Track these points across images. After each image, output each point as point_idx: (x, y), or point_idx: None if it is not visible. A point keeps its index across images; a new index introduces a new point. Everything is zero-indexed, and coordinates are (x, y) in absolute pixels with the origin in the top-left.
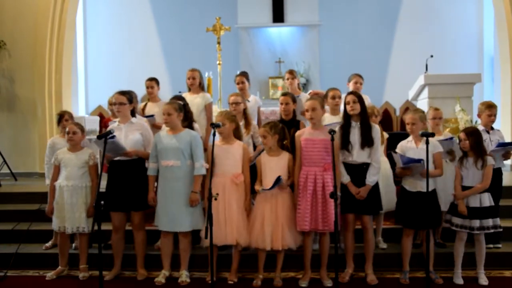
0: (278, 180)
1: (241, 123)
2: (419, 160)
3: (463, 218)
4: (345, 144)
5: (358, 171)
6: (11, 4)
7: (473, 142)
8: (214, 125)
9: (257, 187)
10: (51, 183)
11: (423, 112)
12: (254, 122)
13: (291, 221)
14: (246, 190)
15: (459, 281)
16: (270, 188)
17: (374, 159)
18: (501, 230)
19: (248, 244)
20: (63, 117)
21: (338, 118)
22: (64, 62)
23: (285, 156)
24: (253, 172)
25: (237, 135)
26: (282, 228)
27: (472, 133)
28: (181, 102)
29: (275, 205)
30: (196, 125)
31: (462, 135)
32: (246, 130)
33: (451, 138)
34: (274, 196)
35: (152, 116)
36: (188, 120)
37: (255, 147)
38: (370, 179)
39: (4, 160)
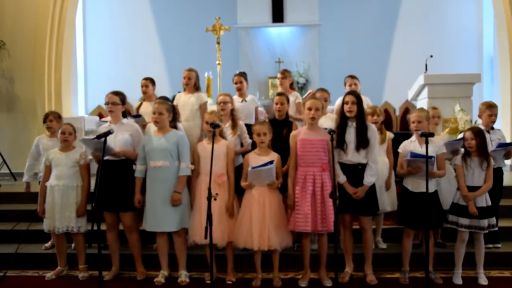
0: (270, 162)
1: (228, 124)
2: (430, 157)
3: (471, 219)
4: (341, 143)
5: (353, 171)
6: (11, 4)
7: (480, 142)
8: (214, 125)
9: (242, 183)
10: (42, 183)
11: (428, 111)
12: (241, 122)
13: (278, 222)
14: (230, 190)
15: (458, 281)
16: (258, 167)
17: (371, 159)
18: (497, 229)
19: (235, 244)
20: (48, 118)
21: (324, 118)
22: (63, 62)
23: (273, 157)
24: (239, 172)
25: (221, 135)
26: (268, 229)
27: (479, 133)
28: (170, 103)
29: (262, 205)
30: (180, 125)
31: (469, 134)
32: (233, 131)
33: (461, 139)
34: (261, 196)
35: (139, 116)
36: (175, 121)
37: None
38: (368, 180)
39: (4, 160)
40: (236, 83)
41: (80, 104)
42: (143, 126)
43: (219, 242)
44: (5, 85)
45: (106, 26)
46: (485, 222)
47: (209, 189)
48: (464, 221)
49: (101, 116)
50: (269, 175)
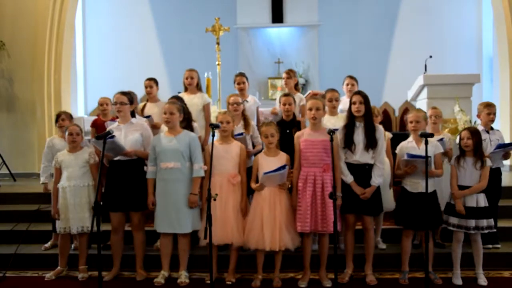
0: (283, 167)
1: (240, 124)
2: (428, 156)
3: (460, 218)
4: (349, 143)
5: (360, 171)
6: (11, 4)
7: (476, 142)
8: (214, 126)
9: (253, 185)
10: (54, 186)
11: (425, 112)
12: (253, 122)
13: (289, 221)
14: (243, 190)
15: (458, 281)
16: (271, 172)
17: (379, 160)
18: (495, 230)
19: (245, 244)
20: (60, 117)
21: (336, 119)
22: (63, 63)
23: (282, 157)
24: (249, 173)
25: (233, 136)
26: (280, 229)
27: (476, 133)
28: (181, 104)
29: (273, 205)
30: (195, 125)
31: (465, 133)
32: (246, 131)
33: (441, 139)
34: (272, 197)
35: (149, 116)
36: (185, 121)
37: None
38: (376, 180)
39: (3, 161)
40: (238, 84)
41: (80, 104)
42: (152, 126)
43: (236, 241)
44: (4, 85)
45: (105, 26)
46: (472, 223)
47: (209, 189)
48: (453, 220)
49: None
50: (281, 178)
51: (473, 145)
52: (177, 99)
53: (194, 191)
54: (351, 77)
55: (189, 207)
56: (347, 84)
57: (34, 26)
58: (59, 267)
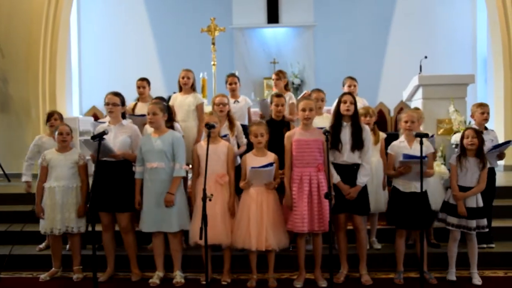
0: (270, 164)
1: (225, 125)
2: (423, 157)
3: (459, 218)
4: (335, 143)
5: (349, 172)
6: (6, 4)
7: (481, 142)
8: (210, 126)
9: (241, 184)
10: (38, 184)
11: (420, 112)
12: (238, 123)
13: (276, 222)
14: (231, 190)
15: (452, 277)
16: (259, 167)
17: (365, 160)
18: (488, 230)
19: (233, 244)
20: (52, 116)
21: (320, 118)
22: (58, 62)
23: (270, 157)
24: (238, 173)
25: (220, 136)
26: (266, 229)
27: (480, 133)
28: (165, 103)
29: (260, 205)
30: (177, 125)
31: (470, 132)
32: (231, 132)
33: (432, 136)
34: (259, 197)
35: (144, 115)
36: (171, 121)
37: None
38: (361, 180)
39: None
40: (230, 84)
41: (75, 104)
42: (143, 125)
43: (224, 241)
44: None
45: (100, 26)
46: (473, 223)
47: (204, 190)
48: (452, 219)
49: (95, 117)
50: (268, 176)
51: (478, 144)
52: (160, 99)
53: (171, 191)
54: (352, 78)
55: (169, 207)
56: (349, 86)
57: (29, 26)
58: (53, 268)
